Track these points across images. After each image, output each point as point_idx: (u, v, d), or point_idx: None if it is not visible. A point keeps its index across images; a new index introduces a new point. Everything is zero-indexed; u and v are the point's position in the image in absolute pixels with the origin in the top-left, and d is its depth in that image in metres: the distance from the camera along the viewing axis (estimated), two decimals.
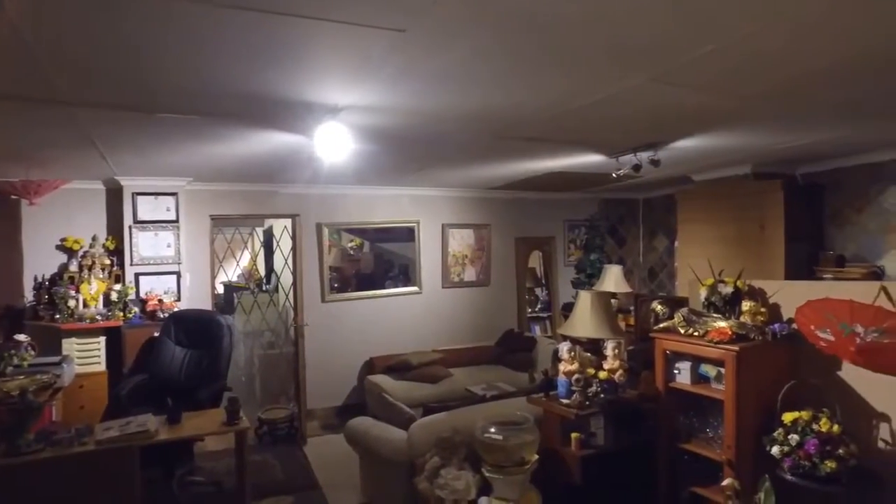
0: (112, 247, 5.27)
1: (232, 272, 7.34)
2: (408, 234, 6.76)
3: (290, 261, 6.20)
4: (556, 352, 3.39)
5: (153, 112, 3.00)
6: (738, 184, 5.84)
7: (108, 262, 5.19)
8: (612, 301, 5.93)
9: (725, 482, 2.85)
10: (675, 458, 3.28)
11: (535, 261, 7.83)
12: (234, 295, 7.11)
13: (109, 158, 4.29)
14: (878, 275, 5.28)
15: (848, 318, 2.55)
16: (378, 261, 6.68)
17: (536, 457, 3.11)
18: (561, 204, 7.64)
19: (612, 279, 5.83)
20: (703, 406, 3.19)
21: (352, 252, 6.52)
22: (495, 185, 6.59)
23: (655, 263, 7.88)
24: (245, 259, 8.14)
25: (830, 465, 2.58)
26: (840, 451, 2.60)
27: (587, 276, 6.89)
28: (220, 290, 7.62)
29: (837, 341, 2.64)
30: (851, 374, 2.84)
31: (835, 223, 5.81)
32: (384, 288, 6.65)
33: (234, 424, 3.55)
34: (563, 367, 3.28)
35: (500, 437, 3.01)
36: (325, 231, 6.27)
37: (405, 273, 6.79)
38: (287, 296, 6.49)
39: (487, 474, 3.04)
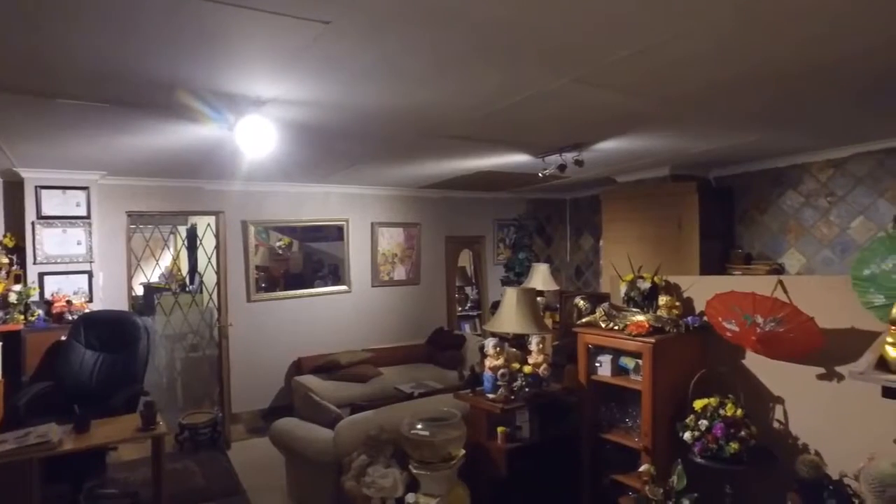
0: (11, 244, 4.89)
1: (152, 272, 6.99)
2: (338, 233, 6.67)
3: (213, 260, 5.97)
4: (482, 348, 3.44)
5: (54, 97, 2.80)
6: (657, 185, 6.13)
7: (5, 260, 4.81)
8: (540, 298, 6.08)
9: (642, 468, 2.99)
10: (598, 448, 3.40)
11: (466, 259, 7.92)
12: (155, 296, 6.78)
13: (6, 147, 3.97)
14: (779, 271, 5.69)
15: (750, 310, 2.73)
16: (307, 260, 6.56)
17: (463, 452, 3.14)
18: (490, 203, 7.76)
19: (540, 277, 5.97)
20: (623, 397, 3.32)
21: (280, 251, 6.37)
22: (425, 183, 6.61)
23: (582, 262, 8.15)
24: (167, 258, 7.77)
25: (734, 446, 2.75)
26: (742, 432, 2.77)
27: (516, 275, 7.03)
28: (140, 291, 7.25)
29: (741, 331, 2.81)
30: (753, 361, 3.04)
31: (743, 223, 6.21)
32: (314, 287, 6.53)
33: (150, 430, 3.38)
34: (488, 362, 3.33)
35: (427, 434, 3.03)
36: (252, 229, 6.09)
37: (335, 272, 6.70)
38: (211, 296, 6.25)
39: (415, 471, 3.04)
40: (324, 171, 5.56)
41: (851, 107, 3.49)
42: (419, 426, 3.07)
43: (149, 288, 7.33)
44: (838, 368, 2.71)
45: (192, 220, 7.32)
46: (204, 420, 5.37)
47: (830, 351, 2.69)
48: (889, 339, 1.21)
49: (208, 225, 6.18)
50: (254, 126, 3.14)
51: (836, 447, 2.72)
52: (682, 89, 2.98)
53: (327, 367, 5.90)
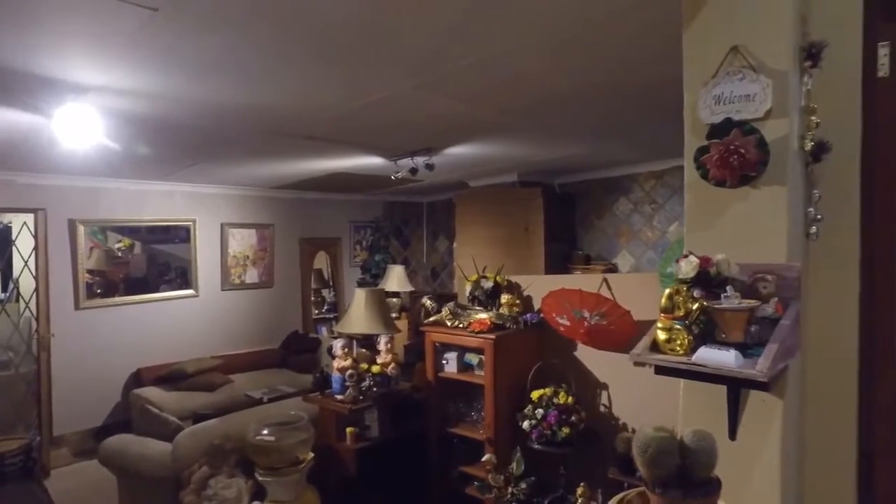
0: None
1: None
2: (186, 235, 6.24)
3: (32, 263, 5.29)
4: (330, 349, 3.42)
5: None
6: (506, 190, 6.48)
7: None
8: (395, 300, 6.18)
9: (485, 458, 3.15)
10: (446, 442, 3.53)
11: (322, 262, 7.79)
12: None
13: None
14: (612, 270, 6.28)
15: (578, 305, 3.00)
16: (152, 263, 6.05)
17: (312, 455, 3.09)
18: (347, 205, 7.71)
19: (395, 278, 6.06)
20: (469, 391, 3.48)
21: (120, 253, 5.81)
22: (279, 184, 6.41)
23: (437, 263, 8.38)
24: None
25: (566, 430, 3.00)
26: (573, 418, 3.03)
27: (372, 277, 7.06)
28: None
29: (572, 325, 3.08)
30: (583, 352, 3.33)
31: (583, 227, 6.77)
32: (159, 292, 6.04)
33: None
34: (336, 363, 3.33)
35: (272, 439, 2.93)
36: (82, 229, 5.49)
37: (184, 276, 6.25)
38: (27, 304, 5.53)
39: (261, 478, 2.93)
40: (167, 168, 5.18)
41: (665, 125, 3.96)
42: (265, 431, 2.96)
43: None
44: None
45: (7, 217, 6.42)
46: (13, 448, 4.70)
47: None
48: (659, 325, 1.40)
49: (24, 223, 5.47)
50: (75, 115, 2.85)
51: (646, 423, 3.05)
52: (518, 101, 3.19)
53: (172, 377, 5.50)
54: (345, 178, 5.90)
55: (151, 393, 5.26)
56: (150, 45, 2.22)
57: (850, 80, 1.68)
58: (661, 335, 1.38)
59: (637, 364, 1.43)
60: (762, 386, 1.25)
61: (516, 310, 3.42)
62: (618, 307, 2.93)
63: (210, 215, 6.41)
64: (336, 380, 3.33)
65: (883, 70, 1.66)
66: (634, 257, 6.37)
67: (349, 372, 3.28)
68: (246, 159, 4.85)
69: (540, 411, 3.09)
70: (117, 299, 5.75)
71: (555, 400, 3.11)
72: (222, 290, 6.54)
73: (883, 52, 1.65)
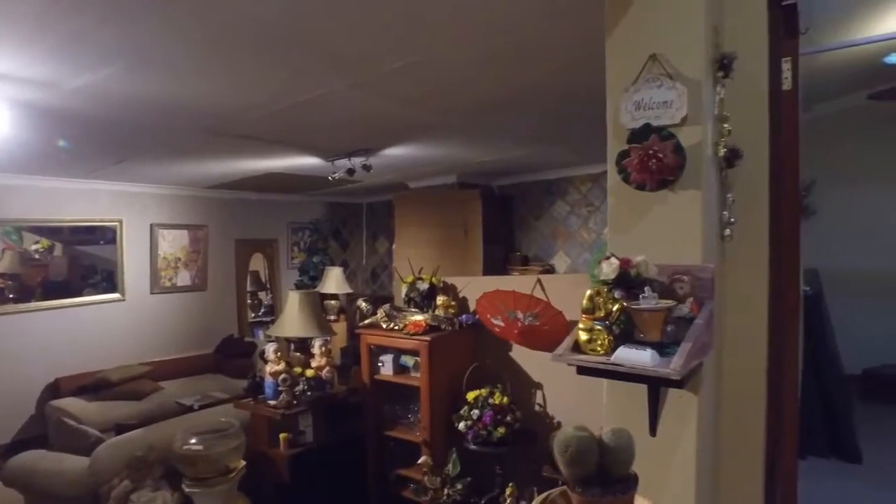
0: None
1: None
2: (112, 235, 5.92)
3: None
4: (262, 353, 3.32)
5: None
6: (445, 192, 6.51)
7: None
8: (334, 302, 6.09)
9: (421, 460, 3.14)
10: (382, 445, 3.49)
11: (259, 263, 7.58)
12: None
13: None
14: (549, 271, 6.41)
15: (512, 306, 3.03)
16: (75, 265, 5.70)
17: (243, 463, 2.99)
18: (284, 206, 7.53)
19: (334, 281, 5.97)
20: (405, 394, 3.46)
21: (38, 255, 5.45)
22: (213, 183, 6.20)
23: (377, 265, 8.32)
24: None
25: (501, 430, 3.03)
26: (508, 418, 3.06)
27: (310, 279, 6.93)
28: None
29: (506, 326, 3.10)
30: (518, 353, 3.37)
31: (521, 228, 6.88)
32: (82, 296, 5.71)
33: None
34: (269, 368, 3.24)
35: (201, 447, 2.82)
36: None
37: (110, 279, 5.93)
38: None
39: (188, 490, 2.81)
40: (90, 166, 4.91)
41: (598, 130, 4.07)
42: (193, 440, 2.84)
43: None
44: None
45: None
46: None
47: None
48: (581, 325, 1.43)
49: None
50: None
51: (579, 421, 3.12)
52: (453, 104, 3.21)
53: (94, 387, 5.21)
54: (281, 178, 5.77)
55: (70, 404, 4.96)
56: (57, 31, 2.09)
57: (758, 91, 1.78)
58: (583, 336, 1.41)
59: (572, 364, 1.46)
60: (676, 384, 1.30)
61: (452, 311, 3.43)
62: (550, 308, 2.97)
63: (138, 215, 6.11)
64: (269, 385, 3.24)
65: (786, 83, 1.76)
66: (571, 258, 6.52)
67: (282, 376, 3.20)
68: (177, 158, 4.66)
69: (475, 412, 3.10)
70: (33, 304, 5.39)
71: (490, 400, 3.13)
72: (152, 293, 6.25)
73: (786, 66, 1.75)
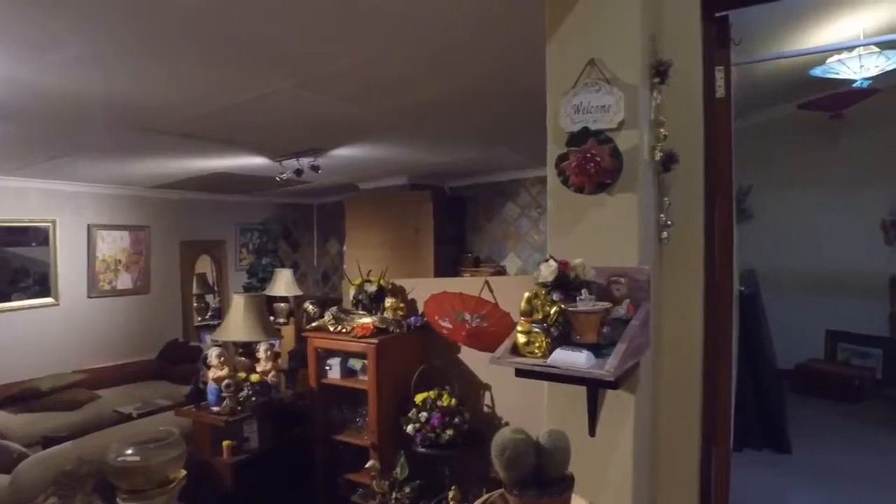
0: None
1: None
2: (45, 237, 5.62)
3: None
4: (204, 358, 3.22)
5: None
6: (396, 193, 6.48)
7: None
8: (283, 305, 5.97)
9: (368, 464, 3.11)
10: (331, 450, 3.44)
11: (206, 266, 7.37)
12: None
13: None
14: (501, 273, 6.46)
15: (460, 308, 3.03)
16: (3, 268, 5.38)
17: (184, 472, 2.89)
18: (232, 206, 7.33)
19: (283, 283, 5.86)
20: (353, 397, 3.42)
21: None
22: (156, 183, 5.98)
23: (328, 267, 8.20)
24: None
25: (449, 432, 3.03)
26: (456, 419, 3.07)
27: (259, 281, 6.77)
28: None
29: (454, 328, 3.10)
30: (466, 354, 3.38)
31: (473, 229, 6.92)
32: (11, 300, 5.40)
33: None
34: (212, 373, 3.14)
35: (137, 458, 2.70)
36: None
37: (44, 282, 5.63)
38: None
39: (122, 503, 2.71)
40: (17, 163, 4.65)
41: (544, 133, 4.13)
42: (129, 451, 2.72)
43: None
44: None
45: None
46: None
47: None
48: (519, 328, 1.44)
49: None
50: None
51: (527, 421, 3.16)
52: (399, 104, 3.20)
53: (22, 397, 4.93)
54: (228, 178, 5.61)
55: None
56: None
57: (693, 98, 1.83)
58: (521, 338, 1.42)
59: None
60: (610, 384, 1.32)
61: (400, 313, 3.41)
62: (498, 309, 2.99)
63: (74, 216, 5.83)
64: (212, 391, 3.15)
65: (720, 91, 1.82)
66: (522, 259, 6.60)
67: (226, 382, 3.11)
68: (115, 155, 4.46)
69: (424, 414, 3.09)
70: None
71: (438, 402, 3.13)
72: (89, 297, 5.97)
73: (719, 75, 1.81)
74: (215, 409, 3.13)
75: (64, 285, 5.75)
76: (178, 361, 6.06)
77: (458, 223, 6.85)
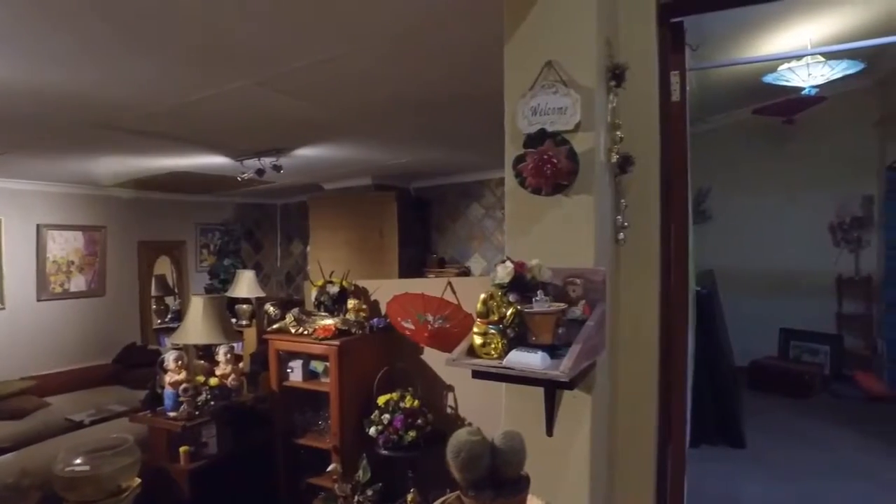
0: None
1: None
2: None
3: None
4: (161, 362, 3.14)
5: None
6: (360, 194, 6.43)
7: None
8: (246, 307, 5.86)
9: (330, 467, 3.08)
10: (293, 453, 3.39)
11: (166, 267, 7.18)
12: None
13: None
14: (466, 274, 6.47)
15: (422, 309, 3.02)
16: None
17: (138, 481, 2.81)
18: (193, 206, 7.16)
19: (246, 284, 5.75)
20: (316, 400, 3.37)
21: None
22: (111, 181, 5.80)
23: (292, 268, 8.09)
24: None
25: (412, 434, 3.01)
26: (419, 421, 3.06)
27: (221, 282, 6.63)
28: None
29: (416, 329, 3.09)
30: (429, 355, 3.37)
31: (438, 231, 6.91)
32: None
33: None
34: (169, 377, 3.06)
35: (87, 468, 2.62)
36: None
37: None
38: None
39: None
40: None
41: (502, 134, 4.16)
42: (77, 461, 2.64)
43: None
44: None
45: None
46: None
47: None
48: (475, 330, 1.44)
49: None
50: None
51: (488, 421, 3.17)
52: (360, 104, 3.18)
53: None
54: (187, 177, 5.48)
55: None
56: None
57: (649, 101, 1.87)
58: (477, 340, 1.42)
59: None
60: (565, 385, 1.33)
61: (363, 315, 3.39)
62: (460, 310, 2.99)
63: (22, 215, 5.60)
64: (168, 395, 3.07)
65: (675, 95, 1.86)
66: (486, 260, 6.62)
67: (183, 386, 3.03)
68: (66, 152, 4.30)
69: (386, 416, 3.08)
70: None
71: (401, 404, 3.11)
72: (39, 300, 5.74)
73: (674, 79, 1.84)
74: (172, 414, 3.06)
75: (10, 288, 5.51)
76: (135, 366, 5.88)
77: (423, 224, 6.84)
